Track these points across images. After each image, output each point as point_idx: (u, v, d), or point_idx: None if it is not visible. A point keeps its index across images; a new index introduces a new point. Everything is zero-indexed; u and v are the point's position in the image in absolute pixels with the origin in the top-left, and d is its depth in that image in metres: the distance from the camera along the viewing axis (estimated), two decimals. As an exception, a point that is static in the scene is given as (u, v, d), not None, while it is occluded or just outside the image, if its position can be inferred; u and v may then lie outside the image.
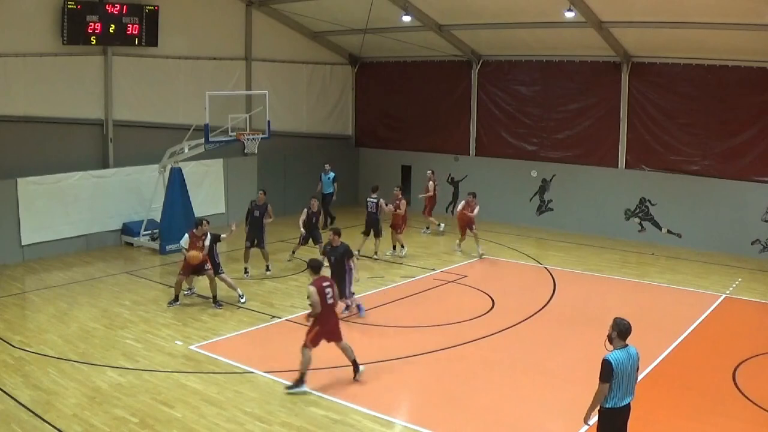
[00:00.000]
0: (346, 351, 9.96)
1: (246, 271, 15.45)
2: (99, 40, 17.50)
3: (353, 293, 12.96)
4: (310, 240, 16.34)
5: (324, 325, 9.73)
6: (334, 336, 9.89)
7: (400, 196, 17.93)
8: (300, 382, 9.63)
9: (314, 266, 10.08)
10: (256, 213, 15.55)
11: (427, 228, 20.67)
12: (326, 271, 11.10)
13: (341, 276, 12.30)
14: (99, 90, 18.25)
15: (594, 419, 7.01)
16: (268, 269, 15.75)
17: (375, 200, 17.29)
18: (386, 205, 17.33)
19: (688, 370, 10.61)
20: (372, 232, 17.29)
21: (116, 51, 18.26)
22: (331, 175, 21.07)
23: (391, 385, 10.07)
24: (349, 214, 21.57)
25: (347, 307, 12.78)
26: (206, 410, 9.00)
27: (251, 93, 20.97)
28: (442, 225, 20.46)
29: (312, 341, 9.67)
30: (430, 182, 20.67)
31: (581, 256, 18.01)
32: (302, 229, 16.09)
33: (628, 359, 6.82)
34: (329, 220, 20.74)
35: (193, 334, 11.89)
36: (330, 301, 9.76)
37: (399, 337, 12.12)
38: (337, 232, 12.74)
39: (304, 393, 9.53)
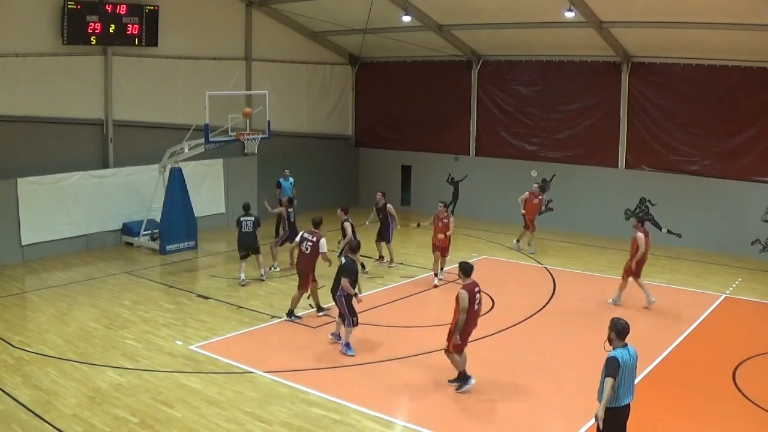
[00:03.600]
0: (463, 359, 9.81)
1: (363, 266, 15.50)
2: (99, 40, 17.51)
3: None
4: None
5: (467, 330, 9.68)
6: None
7: (446, 213, 15.37)
8: (463, 379, 9.75)
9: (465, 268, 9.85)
10: (380, 215, 16.63)
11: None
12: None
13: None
14: (99, 90, 18.25)
15: (592, 422, 7.00)
16: (386, 260, 16.68)
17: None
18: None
19: (688, 370, 10.62)
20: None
21: (116, 51, 18.27)
22: (292, 180, 19.02)
23: (391, 385, 10.07)
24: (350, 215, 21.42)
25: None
26: (206, 410, 9.01)
27: (251, 93, 20.93)
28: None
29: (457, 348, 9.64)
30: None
31: (581, 256, 18.01)
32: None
33: (629, 358, 6.84)
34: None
35: (193, 334, 11.90)
36: (476, 307, 9.66)
37: (399, 337, 12.12)
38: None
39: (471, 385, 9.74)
